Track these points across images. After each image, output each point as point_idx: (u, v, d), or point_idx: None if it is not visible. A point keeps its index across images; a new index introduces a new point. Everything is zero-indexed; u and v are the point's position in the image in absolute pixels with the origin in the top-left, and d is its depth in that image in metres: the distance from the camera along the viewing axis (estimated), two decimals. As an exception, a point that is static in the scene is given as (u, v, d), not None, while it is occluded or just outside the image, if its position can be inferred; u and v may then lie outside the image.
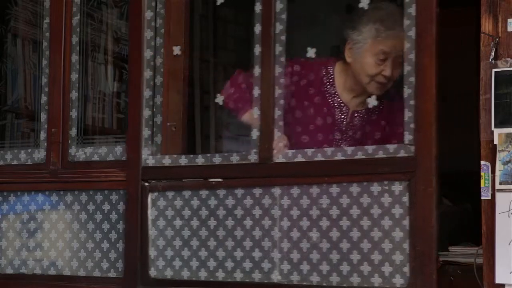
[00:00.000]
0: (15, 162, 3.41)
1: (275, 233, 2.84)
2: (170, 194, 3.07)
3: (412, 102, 2.59)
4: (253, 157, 2.90)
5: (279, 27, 2.89)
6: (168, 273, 3.04)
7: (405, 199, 2.59)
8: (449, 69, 4.65)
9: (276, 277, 2.83)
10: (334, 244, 2.72)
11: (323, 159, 2.76)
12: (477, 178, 2.36)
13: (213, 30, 4.77)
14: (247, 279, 2.87)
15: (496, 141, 2.28)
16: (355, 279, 2.67)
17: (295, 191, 2.81)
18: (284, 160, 2.84)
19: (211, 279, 2.95)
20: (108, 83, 4.33)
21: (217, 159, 3.00)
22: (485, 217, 2.30)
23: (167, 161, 3.09)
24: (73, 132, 3.30)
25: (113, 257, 3.16)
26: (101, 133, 4.10)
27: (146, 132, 3.13)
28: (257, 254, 2.87)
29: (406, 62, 2.60)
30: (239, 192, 2.92)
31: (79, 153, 3.28)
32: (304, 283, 2.76)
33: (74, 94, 3.31)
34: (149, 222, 3.08)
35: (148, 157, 3.12)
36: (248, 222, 2.90)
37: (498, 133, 2.28)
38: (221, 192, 2.96)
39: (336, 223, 2.72)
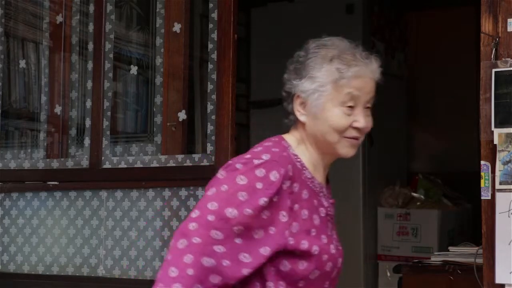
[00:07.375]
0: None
1: (101, 232, 3.14)
2: (14, 195, 3.35)
3: (213, 117, 2.91)
4: (84, 163, 3.20)
5: (107, 45, 3.19)
6: (11, 267, 3.32)
7: (206, 203, 2.90)
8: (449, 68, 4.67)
9: (101, 272, 3.13)
10: (149, 242, 3.03)
11: (141, 166, 3.08)
12: (477, 178, 2.29)
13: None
14: (77, 273, 3.18)
15: (496, 141, 2.22)
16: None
17: (119, 194, 3.11)
18: (110, 166, 3.14)
19: (47, 273, 3.23)
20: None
21: (55, 164, 3.28)
22: (485, 217, 2.25)
23: (12, 164, 3.37)
24: None
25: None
26: None
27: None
28: (86, 250, 3.17)
29: (209, 81, 2.92)
30: (72, 194, 3.22)
31: None
32: (124, 277, 3.07)
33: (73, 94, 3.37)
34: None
35: (-5, 161, 3.39)
36: (79, 222, 3.19)
37: (498, 133, 2.22)
38: (58, 194, 3.25)
39: (151, 224, 3.03)
